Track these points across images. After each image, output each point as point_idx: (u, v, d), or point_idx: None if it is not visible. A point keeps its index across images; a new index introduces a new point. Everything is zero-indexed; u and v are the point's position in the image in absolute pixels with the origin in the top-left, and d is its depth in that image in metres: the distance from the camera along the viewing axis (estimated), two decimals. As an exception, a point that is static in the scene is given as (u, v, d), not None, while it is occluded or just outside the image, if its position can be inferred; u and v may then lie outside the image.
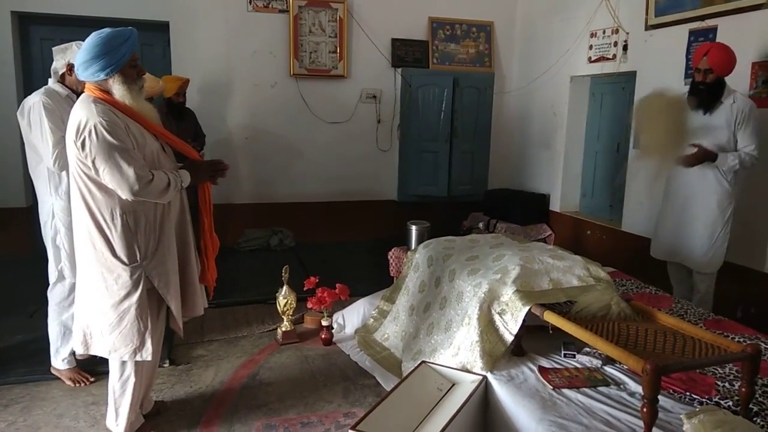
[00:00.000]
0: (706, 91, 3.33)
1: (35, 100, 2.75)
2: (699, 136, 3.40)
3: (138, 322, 2.27)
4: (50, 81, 2.88)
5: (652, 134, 3.42)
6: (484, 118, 6.27)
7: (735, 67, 3.31)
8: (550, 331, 2.55)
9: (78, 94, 2.75)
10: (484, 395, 2.53)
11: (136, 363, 2.38)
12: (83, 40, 2.26)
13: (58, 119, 2.71)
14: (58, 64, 2.84)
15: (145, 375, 2.49)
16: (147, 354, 2.31)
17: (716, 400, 2.22)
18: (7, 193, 5.06)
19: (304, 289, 3.67)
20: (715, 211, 3.39)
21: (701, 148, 3.32)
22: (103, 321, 2.28)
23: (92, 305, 2.30)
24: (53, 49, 2.86)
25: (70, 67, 2.80)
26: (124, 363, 2.38)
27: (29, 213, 4.97)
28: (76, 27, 4.83)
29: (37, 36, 5.21)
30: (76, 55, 2.68)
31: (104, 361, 2.47)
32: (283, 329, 3.58)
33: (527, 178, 6.22)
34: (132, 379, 2.40)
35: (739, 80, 3.59)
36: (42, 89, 2.82)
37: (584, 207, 5.70)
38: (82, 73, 2.20)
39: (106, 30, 2.19)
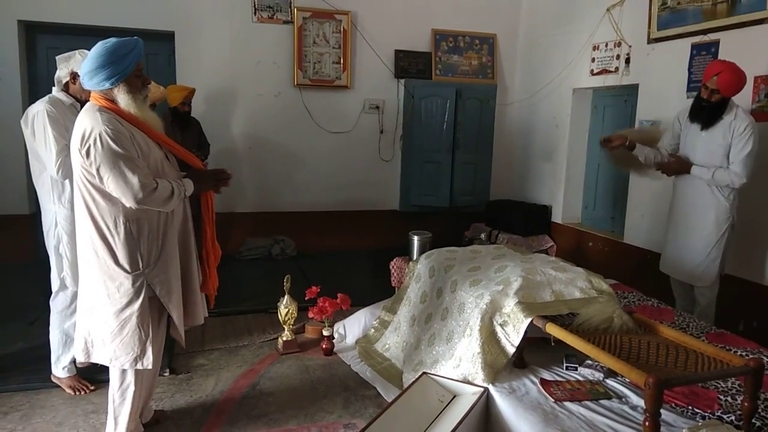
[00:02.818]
0: (708, 109, 3.32)
1: (39, 109, 2.75)
2: (696, 150, 3.41)
3: (139, 330, 2.27)
4: (54, 89, 2.88)
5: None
6: (486, 130, 6.29)
7: (743, 87, 3.30)
8: (552, 344, 2.55)
9: (81, 103, 2.77)
10: (486, 407, 2.52)
11: (137, 371, 2.37)
12: (88, 49, 2.28)
13: (62, 128, 2.71)
14: (62, 73, 2.84)
15: (145, 384, 2.48)
16: (148, 362, 2.31)
17: (719, 414, 2.21)
18: (10, 200, 5.08)
19: (306, 298, 3.67)
20: (712, 224, 3.39)
21: (676, 159, 3.45)
22: (104, 329, 2.28)
23: (94, 313, 2.30)
24: (57, 57, 2.87)
25: (74, 76, 2.81)
26: (124, 371, 2.38)
27: (32, 220, 4.99)
28: (82, 36, 4.85)
29: (43, 45, 5.25)
30: (79, 64, 2.70)
31: (104, 370, 2.47)
32: (284, 339, 3.57)
33: (529, 189, 6.22)
34: (132, 388, 2.39)
35: (742, 94, 3.58)
36: (46, 98, 2.82)
37: (586, 218, 5.69)
38: (87, 82, 2.22)
39: (112, 40, 2.21)
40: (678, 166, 3.48)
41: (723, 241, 3.40)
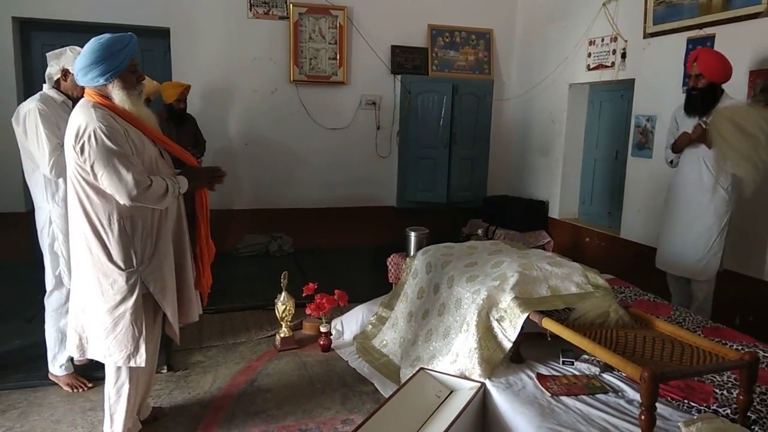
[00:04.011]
0: (699, 96, 3.37)
1: (30, 107, 2.72)
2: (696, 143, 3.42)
3: (133, 327, 2.27)
4: (45, 87, 2.85)
5: (731, 143, 3.22)
6: (483, 125, 6.28)
7: (730, 73, 3.33)
8: (549, 338, 2.56)
9: (73, 100, 2.75)
10: (483, 402, 2.53)
11: (131, 369, 2.37)
12: (82, 46, 2.26)
13: (54, 126, 2.69)
14: (53, 70, 2.82)
15: (141, 381, 2.48)
16: (141, 360, 2.31)
17: (714, 407, 2.22)
18: (6, 197, 5.07)
19: (303, 295, 3.67)
20: (712, 218, 3.40)
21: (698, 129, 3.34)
22: (97, 326, 2.28)
23: (87, 310, 2.30)
24: (47, 54, 2.84)
25: (65, 73, 2.79)
26: (119, 369, 2.38)
27: (28, 218, 4.94)
28: (77, 33, 4.85)
29: (38, 42, 5.22)
30: (70, 60, 2.69)
31: (102, 367, 2.47)
32: (282, 335, 3.58)
33: (526, 184, 6.23)
34: (127, 385, 2.39)
35: (737, 89, 3.61)
36: (37, 95, 2.79)
37: (583, 214, 5.70)
38: (81, 79, 2.21)
39: (106, 35, 2.20)
40: (695, 135, 3.34)
41: (724, 234, 3.42)
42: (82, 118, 2.16)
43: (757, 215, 3.67)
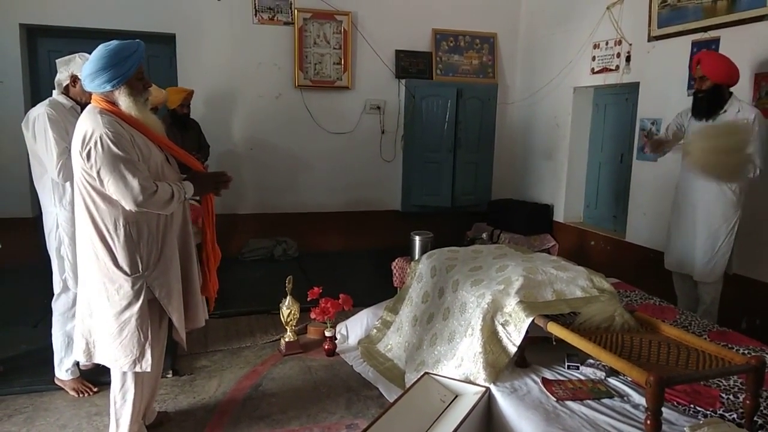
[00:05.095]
0: (705, 99, 3.38)
1: (40, 112, 2.76)
2: None
3: (138, 332, 2.27)
4: (54, 92, 2.90)
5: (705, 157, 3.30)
6: (487, 129, 6.29)
7: (736, 74, 3.33)
8: (554, 343, 2.54)
9: (82, 106, 2.78)
10: (487, 407, 2.52)
11: (137, 374, 2.37)
12: (89, 53, 2.29)
13: (63, 130, 2.73)
14: (62, 76, 2.86)
15: (146, 386, 2.49)
16: (147, 365, 2.31)
17: (721, 412, 2.21)
18: (12, 203, 5.11)
19: (308, 299, 3.67)
20: (720, 220, 3.39)
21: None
22: (104, 331, 2.29)
23: (94, 315, 2.31)
24: (57, 61, 2.89)
25: (74, 79, 2.83)
26: (124, 374, 2.38)
27: (34, 223, 4.99)
28: (83, 39, 4.87)
29: (44, 48, 5.26)
30: (79, 67, 2.72)
31: (107, 372, 2.48)
32: (287, 340, 3.58)
33: (531, 188, 6.22)
34: (132, 390, 2.39)
35: (743, 91, 3.60)
36: (46, 101, 2.83)
37: (588, 217, 5.69)
38: (89, 85, 2.22)
39: (114, 42, 2.22)
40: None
41: (732, 236, 3.41)
42: (88, 124, 2.18)
43: (763, 218, 3.65)
